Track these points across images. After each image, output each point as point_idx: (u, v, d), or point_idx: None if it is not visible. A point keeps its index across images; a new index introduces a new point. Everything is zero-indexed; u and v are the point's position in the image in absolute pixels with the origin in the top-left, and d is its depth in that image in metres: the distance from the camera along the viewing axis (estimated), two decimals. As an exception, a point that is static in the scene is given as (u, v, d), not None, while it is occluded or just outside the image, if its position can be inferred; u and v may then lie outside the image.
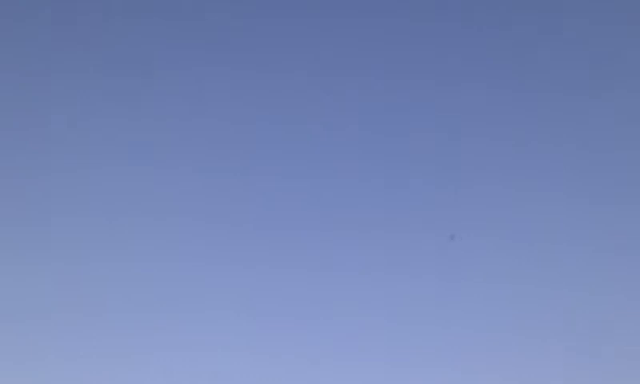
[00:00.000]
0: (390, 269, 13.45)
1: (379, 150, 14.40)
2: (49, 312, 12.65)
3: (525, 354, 12.67)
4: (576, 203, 13.73)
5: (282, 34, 14.88)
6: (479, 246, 13.46)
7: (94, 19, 14.59)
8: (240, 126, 14.46)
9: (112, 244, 13.38)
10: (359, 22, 14.98)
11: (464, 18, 14.86)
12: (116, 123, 14.19)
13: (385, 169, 14.32)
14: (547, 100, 14.43)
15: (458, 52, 14.80)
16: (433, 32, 14.89)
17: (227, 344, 12.70)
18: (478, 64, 14.67)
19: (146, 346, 12.53)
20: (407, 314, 13.10)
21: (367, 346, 12.81)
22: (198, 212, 13.75)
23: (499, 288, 13.17)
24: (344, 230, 13.73)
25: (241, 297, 13.18)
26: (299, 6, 14.95)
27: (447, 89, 14.62)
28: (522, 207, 13.83)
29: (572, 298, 13.02)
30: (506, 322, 12.92)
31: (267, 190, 14.06)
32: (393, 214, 13.93)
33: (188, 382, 12.19)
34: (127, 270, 13.15)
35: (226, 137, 14.41)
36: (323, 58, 14.76)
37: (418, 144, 14.40)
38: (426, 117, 14.59)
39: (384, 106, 14.62)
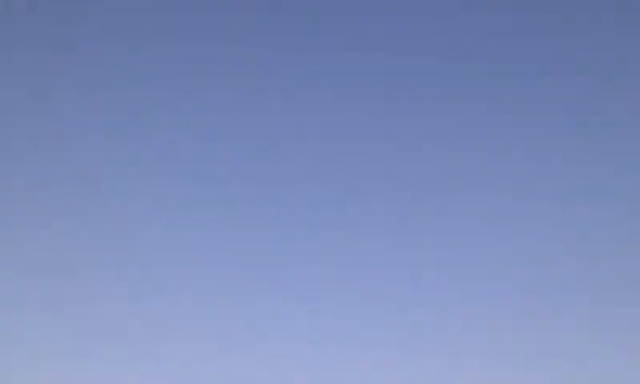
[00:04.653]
0: (393, 264, 13.54)
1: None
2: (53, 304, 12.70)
3: (523, 351, 12.72)
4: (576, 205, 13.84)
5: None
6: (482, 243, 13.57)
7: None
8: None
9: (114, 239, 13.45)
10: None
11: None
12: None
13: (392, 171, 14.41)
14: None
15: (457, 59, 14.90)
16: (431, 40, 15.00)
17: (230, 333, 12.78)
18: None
19: (148, 338, 12.59)
20: (410, 307, 13.17)
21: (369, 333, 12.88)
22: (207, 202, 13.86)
23: (502, 284, 13.25)
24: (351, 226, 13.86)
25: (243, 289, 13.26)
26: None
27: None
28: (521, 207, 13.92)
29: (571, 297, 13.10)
30: (507, 317, 12.99)
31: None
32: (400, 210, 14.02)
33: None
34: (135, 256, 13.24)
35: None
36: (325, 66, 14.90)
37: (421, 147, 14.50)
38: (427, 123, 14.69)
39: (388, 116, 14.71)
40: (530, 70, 14.79)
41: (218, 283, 13.42)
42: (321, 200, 14.20)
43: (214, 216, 13.95)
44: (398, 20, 15.16)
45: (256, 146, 14.62)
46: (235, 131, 14.74)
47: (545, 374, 12.46)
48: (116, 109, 14.53)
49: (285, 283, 13.47)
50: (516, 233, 13.84)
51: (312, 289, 13.39)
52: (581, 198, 13.95)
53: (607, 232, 13.62)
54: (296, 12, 15.22)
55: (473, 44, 14.96)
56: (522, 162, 14.28)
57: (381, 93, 14.84)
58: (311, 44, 15.06)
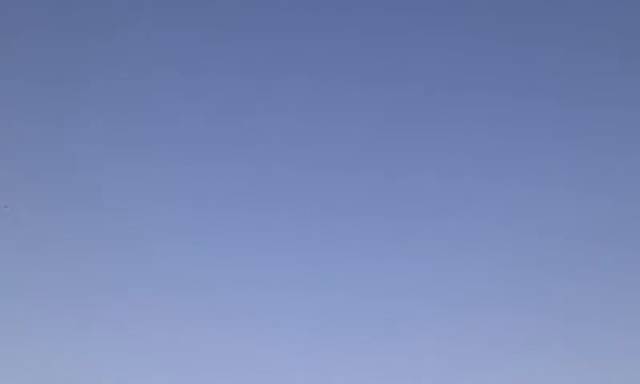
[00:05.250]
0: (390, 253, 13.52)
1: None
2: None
3: (521, 351, 12.69)
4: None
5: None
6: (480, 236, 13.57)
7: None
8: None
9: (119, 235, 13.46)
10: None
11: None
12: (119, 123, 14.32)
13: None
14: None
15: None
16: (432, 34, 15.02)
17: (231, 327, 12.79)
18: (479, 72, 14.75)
19: (149, 337, 12.58)
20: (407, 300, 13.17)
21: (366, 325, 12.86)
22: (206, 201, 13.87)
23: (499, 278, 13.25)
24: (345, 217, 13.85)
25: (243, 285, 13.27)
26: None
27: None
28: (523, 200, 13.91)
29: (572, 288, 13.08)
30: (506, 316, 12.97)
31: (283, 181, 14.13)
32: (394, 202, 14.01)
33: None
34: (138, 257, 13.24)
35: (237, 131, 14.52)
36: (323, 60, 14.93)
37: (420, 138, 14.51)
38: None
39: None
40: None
41: (217, 283, 13.41)
42: (321, 199, 14.19)
43: (214, 216, 13.94)
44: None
45: (257, 146, 14.62)
46: (236, 131, 14.73)
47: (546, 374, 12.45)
48: (116, 107, 14.55)
49: (283, 284, 13.45)
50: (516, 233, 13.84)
51: (310, 289, 13.37)
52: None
53: (607, 230, 13.63)
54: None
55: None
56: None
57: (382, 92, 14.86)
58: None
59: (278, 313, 13.06)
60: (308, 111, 14.75)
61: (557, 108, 14.40)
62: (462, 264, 13.34)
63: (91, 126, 14.25)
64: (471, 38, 14.85)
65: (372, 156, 14.46)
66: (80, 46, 14.64)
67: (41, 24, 14.68)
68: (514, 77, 14.74)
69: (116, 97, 14.56)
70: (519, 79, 14.65)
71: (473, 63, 14.83)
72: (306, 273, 13.42)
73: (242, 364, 12.45)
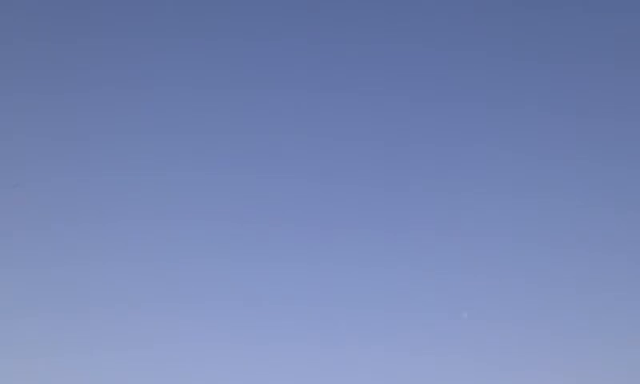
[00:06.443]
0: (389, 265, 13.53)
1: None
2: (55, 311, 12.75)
3: (520, 352, 12.69)
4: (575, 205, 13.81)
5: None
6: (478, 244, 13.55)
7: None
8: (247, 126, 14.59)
9: (112, 244, 13.48)
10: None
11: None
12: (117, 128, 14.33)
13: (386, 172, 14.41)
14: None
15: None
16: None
17: (227, 340, 12.80)
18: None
19: (146, 343, 12.60)
20: (406, 309, 13.17)
21: (366, 341, 12.88)
22: (200, 211, 13.87)
23: (498, 285, 13.24)
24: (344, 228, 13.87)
25: (240, 293, 13.28)
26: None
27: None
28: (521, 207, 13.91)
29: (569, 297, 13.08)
30: (504, 319, 12.97)
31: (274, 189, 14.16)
32: (392, 213, 14.03)
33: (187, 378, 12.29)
34: (128, 269, 13.24)
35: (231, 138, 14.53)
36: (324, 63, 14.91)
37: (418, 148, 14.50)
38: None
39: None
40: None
41: (216, 296, 13.44)
42: (321, 199, 14.20)
43: (212, 227, 13.99)
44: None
45: (257, 144, 14.64)
46: (234, 139, 14.76)
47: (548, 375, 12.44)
48: (115, 106, 14.58)
49: (283, 296, 13.49)
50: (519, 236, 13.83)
51: (310, 301, 13.40)
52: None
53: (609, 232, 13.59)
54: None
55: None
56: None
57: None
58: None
59: (276, 325, 13.12)
60: (309, 121, 14.78)
61: (557, 118, 14.38)
62: (464, 275, 13.36)
63: (90, 133, 14.29)
64: (469, 50, 14.86)
65: (372, 168, 14.47)
66: (78, 50, 14.70)
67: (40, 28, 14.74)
68: (515, 88, 14.74)
69: (116, 105, 14.60)
70: (520, 91, 14.64)
71: (472, 74, 14.83)
72: (306, 285, 13.47)
73: (241, 377, 12.52)
